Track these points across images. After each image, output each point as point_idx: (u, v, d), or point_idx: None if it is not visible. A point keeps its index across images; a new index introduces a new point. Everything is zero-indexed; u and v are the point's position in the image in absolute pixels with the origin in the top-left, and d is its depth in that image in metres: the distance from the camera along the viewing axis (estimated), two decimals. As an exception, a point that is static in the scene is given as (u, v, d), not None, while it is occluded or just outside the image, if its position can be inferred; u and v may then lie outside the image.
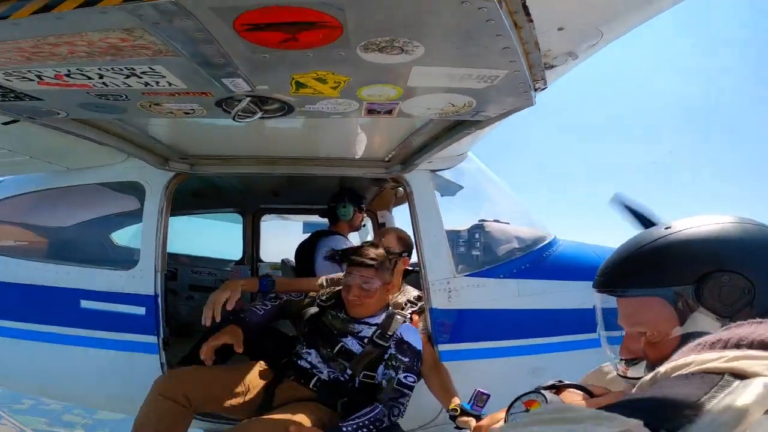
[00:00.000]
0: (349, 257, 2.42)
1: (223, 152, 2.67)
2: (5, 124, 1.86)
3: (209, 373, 2.23)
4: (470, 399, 1.83)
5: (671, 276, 0.93)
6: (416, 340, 2.31)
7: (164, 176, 2.59)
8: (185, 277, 3.56)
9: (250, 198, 4.37)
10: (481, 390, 1.82)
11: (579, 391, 1.18)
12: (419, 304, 2.67)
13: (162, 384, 2.14)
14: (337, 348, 2.28)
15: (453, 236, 2.74)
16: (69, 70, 1.15)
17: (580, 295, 2.52)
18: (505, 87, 1.35)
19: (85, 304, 2.52)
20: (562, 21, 1.21)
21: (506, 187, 3.33)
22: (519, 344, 2.56)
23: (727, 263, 0.89)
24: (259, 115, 1.50)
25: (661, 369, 0.63)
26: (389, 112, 1.62)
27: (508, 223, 2.99)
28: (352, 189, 3.61)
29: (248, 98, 1.41)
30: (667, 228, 1.00)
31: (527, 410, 1.17)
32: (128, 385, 2.47)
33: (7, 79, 1.25)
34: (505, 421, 1.21)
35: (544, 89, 1.49)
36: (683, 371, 0.59)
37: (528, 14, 1.03)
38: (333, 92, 1.38)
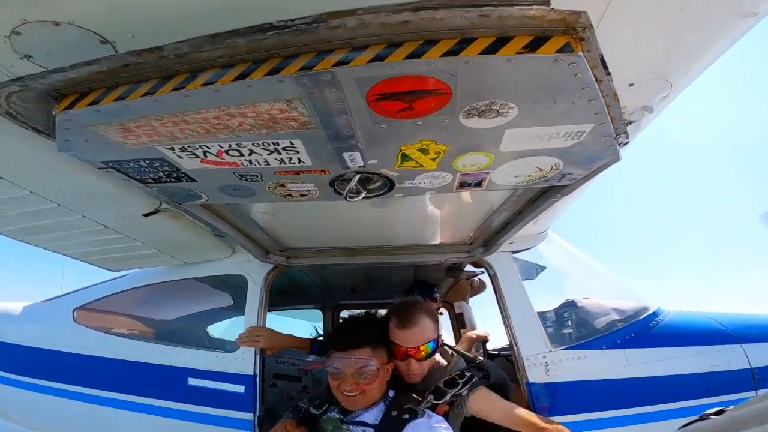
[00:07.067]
0: (334, 338, 2.05)
1: (315, 244, 2.90)
2: (146, 215, 2.19)
3: None
4: None
5: None
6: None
7: (264, 268, 2.87)
8: (271, 366, 3.67)
9: (330, 294, 4.63)
10: None
11: None
12: (450, 393, 2.02)
13: None
14: None
15: (542, 316, 2.69)
16: (230, 145, 1.37)
17: (701, 360, 2.45)
18: (591, 142, 1.42)
19: (192, 381, 2.70)
20: (632, 77, 1.33)
21: (596, 264, 3.24)
22: (632, 413, 2.39)
23: None
24: (363, 194, 1.67)
25: None
26: (479, 183, 1.72)
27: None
28: (421, 281, 3.65)
29: (357, 176, 1.59)
30: None
31: None
32: None
33: (180, 156, 1.43)
34: None
35: (627, 143, 1.56)
36: None
37: (606, 68, 1.16)
38: (432, 164, 1.54)
